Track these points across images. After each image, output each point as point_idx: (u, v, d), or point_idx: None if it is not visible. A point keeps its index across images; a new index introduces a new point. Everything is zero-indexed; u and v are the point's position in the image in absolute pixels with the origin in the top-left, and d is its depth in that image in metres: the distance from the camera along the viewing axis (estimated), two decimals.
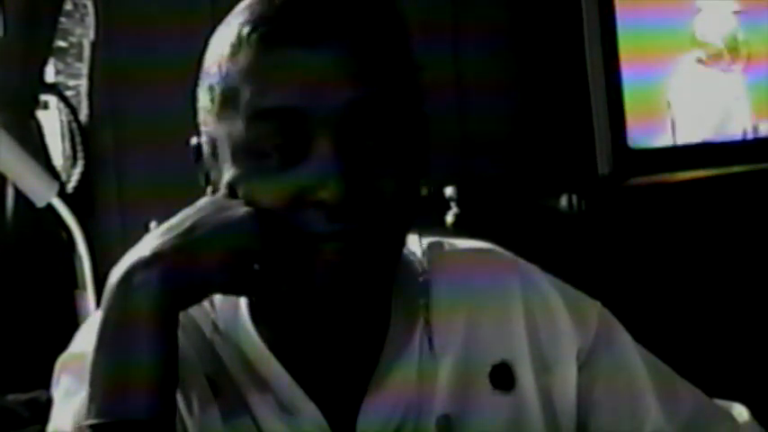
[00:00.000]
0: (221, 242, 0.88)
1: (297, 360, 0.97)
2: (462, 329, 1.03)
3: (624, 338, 1.08)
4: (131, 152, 2.14)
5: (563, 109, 2.40)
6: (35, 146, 1.96)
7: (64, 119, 2.11)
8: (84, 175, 2.09)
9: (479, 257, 1.07)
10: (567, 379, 1.05)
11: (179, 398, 0.94)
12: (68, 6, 2.08)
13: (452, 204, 2.11)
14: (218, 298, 0.98)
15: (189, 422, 0.95)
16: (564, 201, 2.26)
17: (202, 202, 0.93)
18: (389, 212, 0.92)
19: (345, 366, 0.98)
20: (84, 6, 2.10)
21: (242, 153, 0.91)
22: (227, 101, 0.92)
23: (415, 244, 1.02)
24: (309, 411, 0.96)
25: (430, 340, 1.01)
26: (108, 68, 2.12)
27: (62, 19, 2.06)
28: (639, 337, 1.10)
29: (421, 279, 1.01)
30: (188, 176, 1.00)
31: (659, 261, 2.25)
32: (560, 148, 2.41)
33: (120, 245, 0.90)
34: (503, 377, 1.03)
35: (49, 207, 1.88)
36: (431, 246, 1.05)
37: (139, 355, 0.85)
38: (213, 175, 0.96)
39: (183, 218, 0.90)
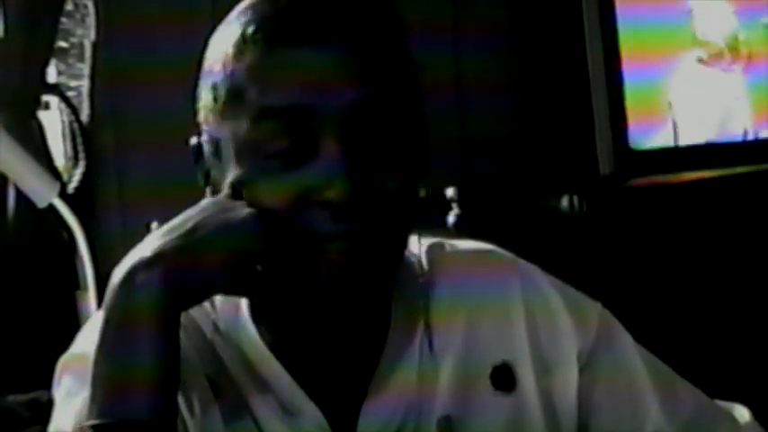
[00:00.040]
0: (223, 243, 0.88)
1: (298, 361, 0.97)
2: (463, 330, 1.03)
3: (625, 339, 1.08)
4: (132, 152, 2.14)
5: (564, 109, 2.40)
6: (36, 146, 1.96)
7: (65, 119, 2.11)
8: (85, 175, 2.09)
9: (480, 258, 1.08)
10: (568, 380, 1.05)
11: (180, 399, 0.94)
12: (69, 7, 2.08)
13: (453, 205, 2.11)
14: (218, 298, 0.98)
15: (190, 423, 0.95)
16: (565, 201, 2.26)
17: (205, 202, 0.93)
18: (394, 212, 0.92)
19: (346, 367, 0.98)
20: (85, 7, 2.10)
21: (247, 152, 0.91)
22: (232, 100, 0.92)
23: (416, 245, 1.02)
24: (310, 412, 0.96)
25: (430, 341, 1.01)
26: (109, 69, 2.11)
27: (63, 19, 2.05)
28: (640, 337, 1.10)
29: (421, 280, 1.02)
30: (189, 177, 0.99)
31: (660, 262, 2.25)
32: (561, 148, 2.41)
33: (121, 245, 0.90)
34: (503, 378, 1.03)
35: (51, 207, 1.88)
36: (431, 247, 1.05)
37: (141, 356, 0.85)
38: (215, 175, 0.96)
39: (185, 218, 0.90)
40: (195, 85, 0.98)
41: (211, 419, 0.95)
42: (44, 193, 1.87)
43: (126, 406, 0.85)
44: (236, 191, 0.92)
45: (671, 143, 2.41)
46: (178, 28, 2.06)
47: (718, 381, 1.21)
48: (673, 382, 1.10)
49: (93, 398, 0.86)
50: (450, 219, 2.11)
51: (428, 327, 1.01)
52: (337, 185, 0.88)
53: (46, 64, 2.01)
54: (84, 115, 2.11)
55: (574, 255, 2.14)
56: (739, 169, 2.40)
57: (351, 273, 0.91)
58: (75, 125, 2.09)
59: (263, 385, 0.97)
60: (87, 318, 1.13)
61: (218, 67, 0.94)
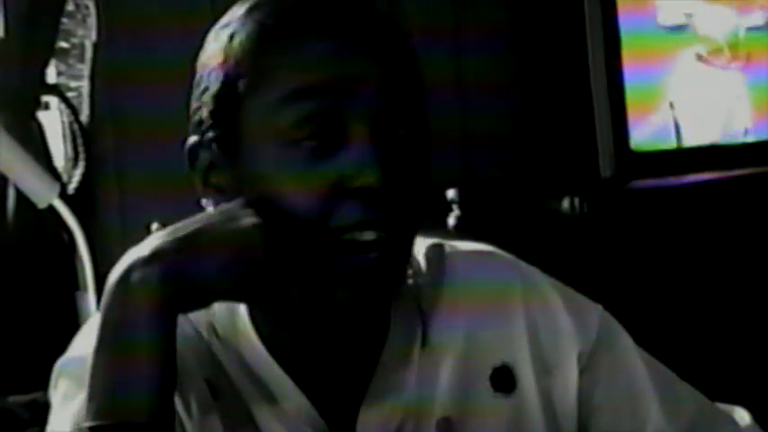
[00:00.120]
0: (223, 248, 0.88)
1: (296, 363, 0.97)
2: (462, 331, 1.02)
3: (625, 341, 1.08)
4: (132, 153, 2.14)
5: (565, 111, 2.40)
6: (36, 147, 1.96)
7: (65, 120, 2.11)
8: (85, 176, 2.09)
9: (480, 260, 1.07)
10: (568, 381, 1.04)
11: (178, 402, 0.93)
12: (70, 7, 2.08)
13: (454, 206, 2.11)
14: None
15: (188, 425, 0.95)
16: (566, 203, 2.26)
17: (213, 209, 0.93)
18: (417, 203, 0.93)
19: (345, 369, 0.98)
20: (86, 7, 2.10)
21: (272, 140, 0.91)
22: (255, 88, 0.92)
23: (416, 245, 1.02)
24: (309, 414, 0.96)
25: (430, 342, 1.01)
26: (109, 70, 2.11)
27: (64, 20, 2.06)
28: (641, 340, 1.10)
29: (421, 281, 1.01)
30: (189, 178, 0.99)
31: (661, 264, 2.25)
32: (562, 150, 2.41)
33: (120, 246, 0.90)
34: (503, 379, 1.02)
35: (51, 208, 1.88)
36: (431, 247, 1.05)
37: (138, 357, 0.85)
38: (221, 174, 0.95)
39: (188, 222, 0.90)
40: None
41: (210, 422, 0.95)
42: (44, 194, 1.87)
43: (123, 408, 0.84)
44: (250, 186, 0.91)
45: (672, 145, 2.40)
46: (178, 29, 2.06)
47: (719, 383, 1.21)
48: (673, 385, 1.10)
49: (91, 399, 0.86)
50: (451, 220, 2.10)
51: (427, 327, 1.01)
52: (370, 173, 0.88)
53: (46, 64, 2.01)
54: (85, 116, 2.11)
55: (574, 256, 2.14)
56: (741, 171, 2.40)
57: (375, 272, 0.91)
58: (76, 126, 2.09)
59: (262, 387, 0.96)
60: (87, 318, 1.13)
61: (231, 59, 0.93)
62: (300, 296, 0.91)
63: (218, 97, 0.94)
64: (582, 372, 1.05)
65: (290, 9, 0.93)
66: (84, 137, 2.10)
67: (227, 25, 0.96)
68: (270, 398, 0.96)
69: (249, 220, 0.89)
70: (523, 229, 2.19)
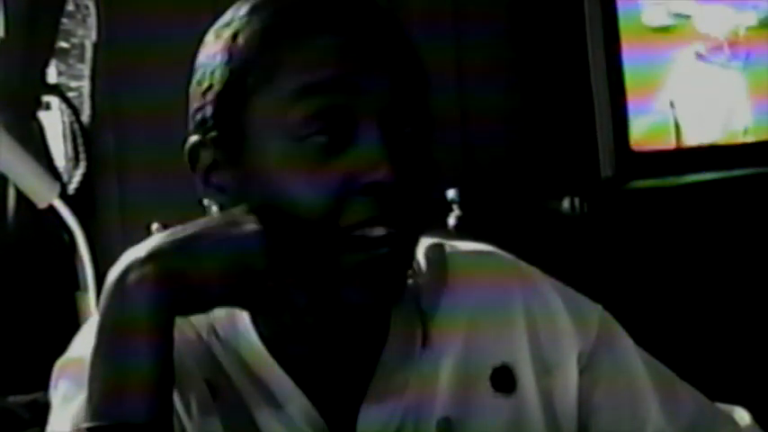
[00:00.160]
0: (220, 253, 0.87)
1: (297, 363, 0.97)
2: (463, 332, 1.02)
3: (625, 341, 1.08)
4: (133, 153, 2.14)
5: (565, 111, 2.40)
6: (37, 147, 1.96)
7: (66, 120, 2.11)
8: (85, 176, 2.09)
9: (480, 260, 1.07)
10: (568, 381, 1.05)
11: (178, 402, 0.94)
12: (70, 7, 2.08)
13: (454, 207, 2.11)
14: None
15: (188, 425, 0.95)
16: (566, 203, 2.26)
17: (216, 210, 0.94)
18: (426, 199, 0.93)
19: (346, 369, 0.98)
20: (86, 7, 2.10)
21: (281, 139, 0.91)
22: (264, 83, 0.92)
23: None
24: (309, 414, 0.96)
25: (430, 342, 1.01)
26: (110, 70, 2.11)
27: (64, 20, 2.06)
28: (641, 340, 1.10)
29: (421, 281, 1.01)
30: (189, 178, 0.99)
31: (661, 264, 2.25)
32: (563, 150, 2.41)
33: (121, 246, 0.90)
34: (503, 379, 1.02)
35: (51, 208, 1.88)
36: (431, 247, 1.05)
37: (135, 358, 0.85)
38: (224, 174, 0.95)
39: (188, 226, 0.90)
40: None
41: (210, 422, 0.95)
42: (44, 194, 1.87)
43: (121, 408, 0.84)
44: (258, 183, 0.91)
45: (672, 145, 2.41)
46: (179, 29, 2.06)
47: (719, 383, 1.21)
48: (673, 385, 1.10)
49: (90, 400, 0.86)
50: (451, 220, 2.10)
51: (428, 327, 1.01)
52: (381, 168, 0.89)
53: (47, 64, 2.01)
54: (85, 116, 2.11)
55: (574, 256, 2.14)
56: (741, 171, 2.40)
57: (386, 267, 0.91)
58: (76, 126, 2.09)
59: (262, 387, 0.96)
60: (87, 318, 1.13)
61: (236, 57, 0.93)
62: (306, 301, 0.91)
63: (222, 96, 0.94)
64: (582, 372, 1.05)
65: (295, 6, 0.93)
66: (85, 137, 2.10)
67: (228, 24, 0.96)
68: (270, 398, 0.96)
69: (250, 226, 0.89)
70: (524, 228, 2.19)
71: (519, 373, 1.03)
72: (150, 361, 0.85)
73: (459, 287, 1.04)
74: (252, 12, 0.95)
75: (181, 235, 0.88)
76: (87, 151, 2.09)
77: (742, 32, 2.47)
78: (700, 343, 2.18)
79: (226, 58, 0.94)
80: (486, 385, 1.02)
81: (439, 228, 0.99)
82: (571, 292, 1.09)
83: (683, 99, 2.40)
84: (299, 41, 0.92)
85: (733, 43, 2.46)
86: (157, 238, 0.89)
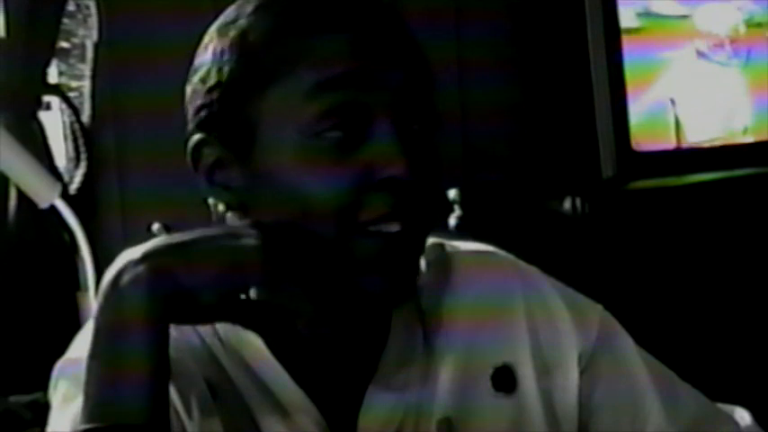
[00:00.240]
0: (214, 261, 0.87)
1: (298, 362, 0.97)
2: (464, 331, 1.02)
3: (626, 341, 1.08)
4: (134, 153, 2.14)
5: (566, 111, 2.40)
6: (38, 147, 1.96)
7: (66, 120, 2.11)
8: (86, 176, 2.09)
9: (481, 260, 1.07)
10: (569, 381, 1.05)
11: (178, 402, 0.94)
12: (71, 7, 2.08)
13: (455, 207, 2.11)
14: None
15: (189, 426, 0.94)
16: (567, 203, 2.26)
17: (221, 207, 0.94)
18: (435, 195, 0.94)
19: (347, 368, 0.98)
20: (87, 7, 2.10)
21: (295, 135, 0.91)
22: (275, 83, 0.92)
23: None
24: (310, 413, 0.96)
25: (431, 342, 1.01)
26: (111, 70, 2.11)
27: (65, 20, 2.05)
28: (642, 340, 1.10)
29: (422, 281, 1.01)
30: (190, 178, 0.99)
31: (662, 264, 2.24)
32: (564, 150, 2.40)
33: (122, 246, 0.90)
34: (504, 379, 1.02)
35: (52, 208, 1.88)
36: (432, 248, 1.05)
37: (130, 357, 0.85)
38: (231, 174, 0.95)
39: (187, 232, 0.90)
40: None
41: (210, 422, 0.95)
42: (45, 194, 1.87)
43: (117, 410, 0.84)
44: (265, 184, 0.92)
45: (673, 144, 2.40)
46: (180, 29, 2.06)
47: (719, 383, 1.21)
48: (674, 385, 1.10)
49: (86, 401, 0.86)
50: (452, 220, 2.10)
51: (428, 327, 1.01)
52: (398, 163, 0.89)
53: (47, 64, 2.00)
54: (86, 116, 2.11)
55: (575, 257, 2.14)
56: (743, 171, 2.40)
57: (402, 262, 0.92)
58: (77, 126, 2.09)
59: (263, 387, 0.96)
60: (88, 319, 1.13)
61: (246, 54, 0.93)
62: (313, 310, 0.92)
63: (231, 92, 0.93)
64: (582, 372, 1.05)
65: (307, 2, 0.93)
66: (86, 137, 2.10)
67: (234, 22, 0.95)
68: (271, 398, 0.96)
69: (249, 240, 0.89)
70: (525, 229, 2.19)
71: (519, 372, 1.03)
72: (146, 361, 0.85)
73: (460, 287, 1.04)
74: (261, 8, 0.95)
75: (177, 239, 0.88)
76: (88, 151, 2.09)
77: (742, 30, 2.47)
78: (700, 343, 2.17)
79: (235, 55, 0.94)
80: (486, 385, 1.02)
81: (439, 228, 0.99)
82: (572, 292, 1.09)
83: (683, 97, 2.40)
84: (312, 38, 0.92)
85: (734, 41, 2.46)
86: (154, 240, 0.89)
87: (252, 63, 0.93)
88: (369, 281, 0.91)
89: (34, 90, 2.00)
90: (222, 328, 0.98)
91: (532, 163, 2.44)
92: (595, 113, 2.30)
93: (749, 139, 2.49)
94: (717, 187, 2.35)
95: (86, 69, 2.11)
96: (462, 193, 2.11)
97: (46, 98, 2.07)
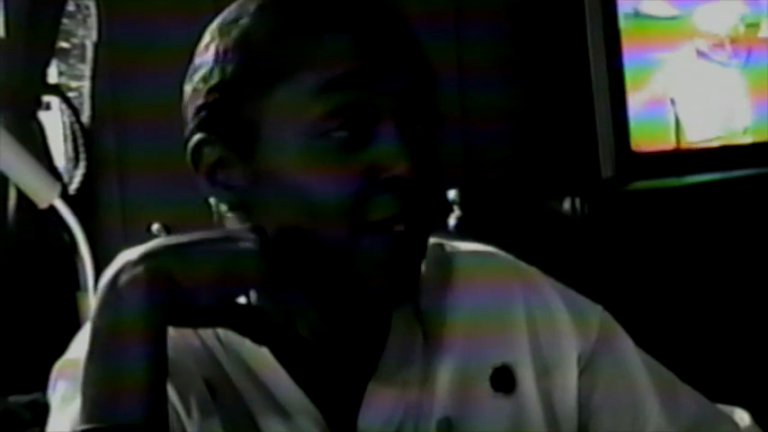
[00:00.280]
0: (211, 264, 0.87)
1: (297, 362, 0.97)
2: (463, 332, 1.02)
3: (626, 342, 1.08)
4: (134, 154, 2.14)
5: (566, 112, 2.40)
6: (37, 147, 1.96)
7: (66, 120, 2.11)
8: (86, 176, 2.09)
9: (481, 260, 1.07)
10: (568, 382, 1.04)
11: (178, 402, 0.93)
12: (71, 7, 2.08)
13: (455, 207, 2.11)
14: None
15: (188, 425, 0.94)
16: (567, 204, 2.26)
17: (220, 227, 0.94)
18: (438, 195, 0.93)
19: (346, 368, 0.98)
20: (87, 8, 2.10)
21: (300, 134, 0.91)
22: (280, 83, 0.92)
23: None
24: (310, 413, 0.96)
25: (430, 342, 1.01)
26: (110, 70, 2.11)
27: (64, 20, 2.06)
28: (641, 341, 1.10)
29: (422, 281, 1.01)
30: (190, 178, 0.99)
31: (661, 265, 2.24)
32: (563, 151, 2.41)
33: (122, 247, 0.89)
34: (503, 380, 1.02)
35: (51, 208, 1.88)
36: (432, 248, 1.04)
37: (128, 358, 0.84)
38: (232, 173, 0.94)
39: (187, 234, 0.90)
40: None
41: (210, 422, 0.95)
42: (45, 194, 1.87)
43: (115, 410, 0.84)
44: (269, 184, 0.92)
45: (673, 145, 2.40)
46: (180, 29, 2.06)
47: (719, 383, 1.21)
48: (673, 386, 1.09)
49: (84, 402, 0.85)
50: (452, 220, 2.10)
51: (428, 327, 1.01)
52: (403, 162, 0.89)
53: (47, 64, 2.01)
54: (86, 116, 2.11)
55: (575, 257, 2.14)
56: (742, 172, 2.40)
57: (407, 260, 0.92)
58: (76, 126, 2.10)
59: (262, 387, 0.96)
60: (87, 319, 1.13)
61: (249, 54, 0.93)
62: (317, 315, 0.93)
63: (233, 92, 0.93)
64: (582, 372, 1.05)
65: (309, 2, 0.93)
66: (85, 137, 2.10)
67: (236, 21, 0.95)
68: (271, 398, 0.96)
69: (248, 244, 0.88)
70: (524, 229, 2.19)
71: (519, 373, 1.03)
72: (144, 361, 0.85)
73: (460, 287, 1.04)
74: (264, 8, 0.94)
75: (176, 240, 0.88)
76: (88, 151, 2.10)
77: (742, 30, 2.47)
78: (700, 343, 2.17)
79: (238, 54, 0.93)
80: (486, 385, 1.02)
81: (440, 228, 1.00)
82: (571, 292, 1.09)
83: (683, 96, 2.40)
84: (316, 38, 0.91)
85: (734, 41, 2.46)
86: (153, 242, 0.89)
87: (255, 63, 0.93)
88: (375, 282, 0.91)
89: (34, 90, 2.00)
90: (223, 331, 0.98)
91: (532, 163, 2.44)
92: (595, 114, 2.30)
93: (749, 139, 2.49)
94: (716, 188, 2.35)
95: (86, 69, 2.11)
96: (462, 194, 2.11)
97: (46, 98, 2.08)
